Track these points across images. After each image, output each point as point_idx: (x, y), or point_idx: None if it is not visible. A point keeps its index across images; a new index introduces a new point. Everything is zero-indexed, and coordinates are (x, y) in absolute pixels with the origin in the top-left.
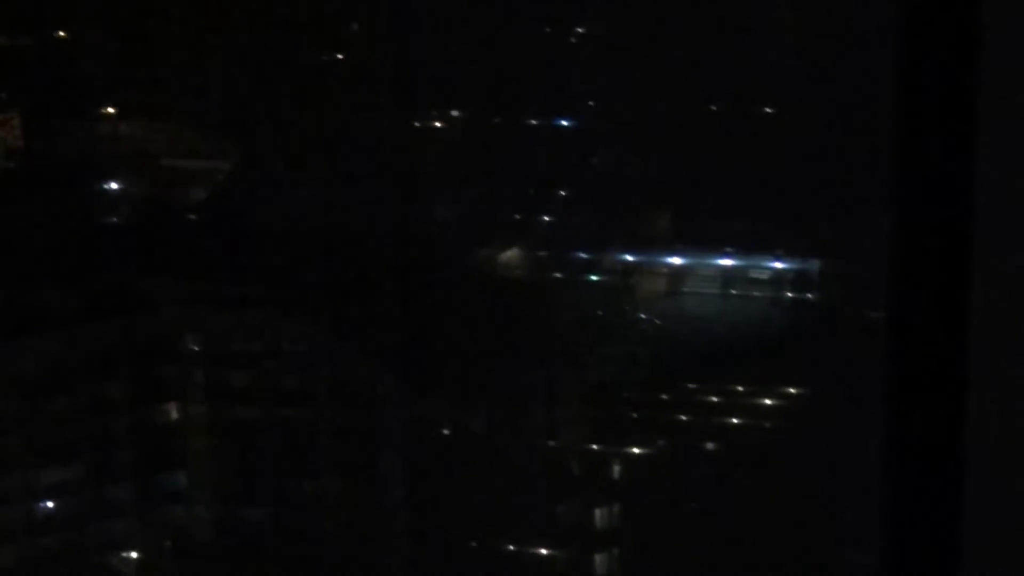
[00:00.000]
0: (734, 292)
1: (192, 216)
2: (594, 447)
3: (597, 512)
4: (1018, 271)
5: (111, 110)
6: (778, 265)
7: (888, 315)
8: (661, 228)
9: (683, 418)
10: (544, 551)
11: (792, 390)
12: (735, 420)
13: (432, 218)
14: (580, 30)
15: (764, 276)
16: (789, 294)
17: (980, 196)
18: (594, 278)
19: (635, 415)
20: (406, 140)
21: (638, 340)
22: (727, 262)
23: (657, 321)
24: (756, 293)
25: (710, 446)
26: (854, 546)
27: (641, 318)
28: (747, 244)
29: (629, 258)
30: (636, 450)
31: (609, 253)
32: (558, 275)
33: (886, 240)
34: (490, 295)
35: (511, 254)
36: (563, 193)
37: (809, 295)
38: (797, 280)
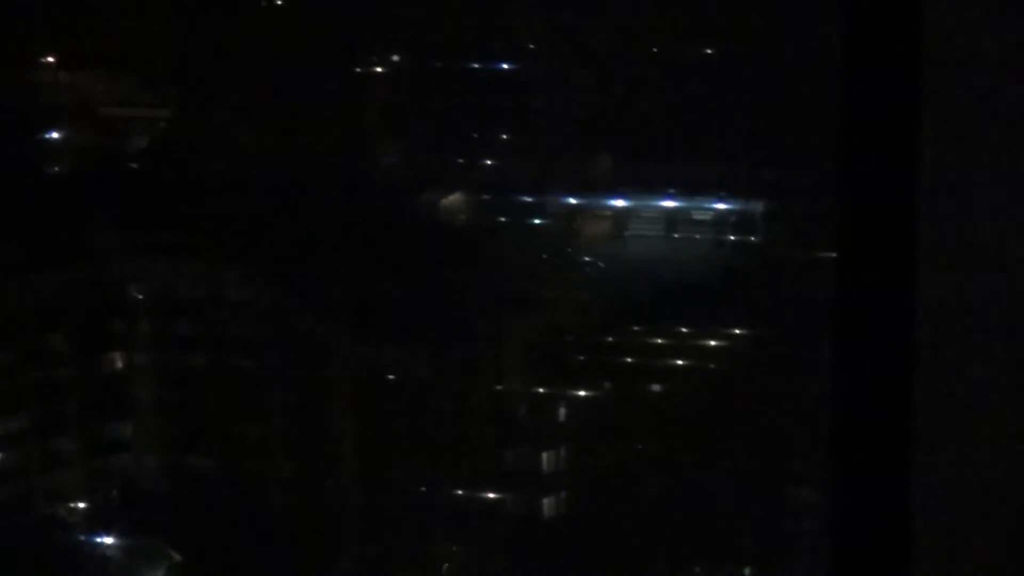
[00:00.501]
0: (678, 234)
1: (134, 165)
2: (540, 391)
3: (544, 456)
4: (967, 208)
5: (50, 59)
6: (722, 206)
7: (838, 255)
8: (604, 170)
9: (629, 360)
10: (492, 495)
11: (738, 331)
12: (681, 362)
13: (375, 164)
14: None
15: (708, 217)
16: (733, 235)
17: (928, 131)
18: (537, 222)
19: (581, 358)
20: (348, 86)
21: (582, 283)
22: (670, 204)
23: (601, 264)
24: (700, 235)
25: (656, 388)
26: (804, 485)
27: (585, 261)
28: (690, 185)
29: (572, 201)
30: (582, 393)
31: (552, 196)
32: (502, 219)
33: (834, 179)
34: (434, 240)
35: (454, 198)
36: (505, 137)
37: (754, 236)
38: (742, 221)
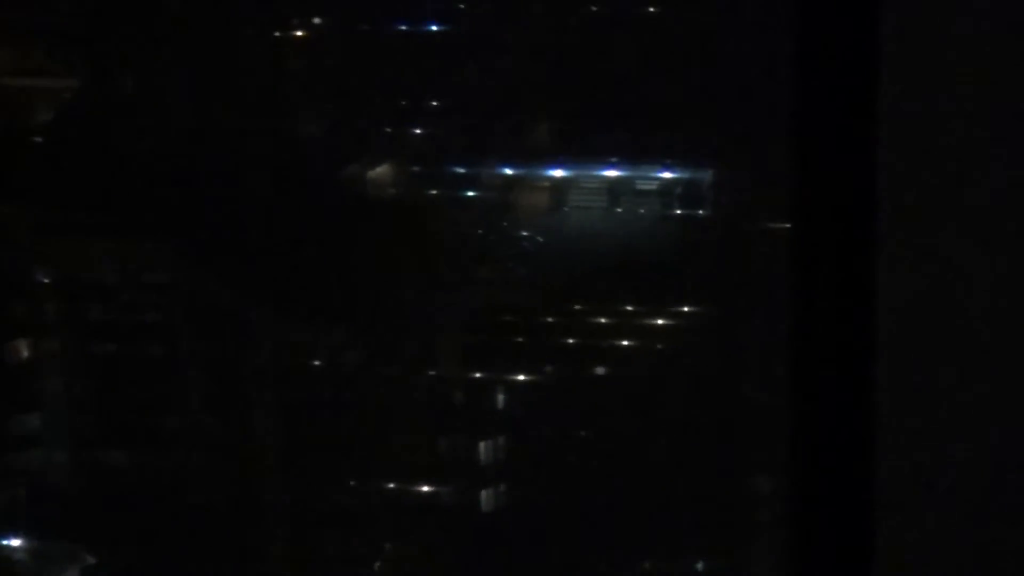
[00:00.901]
0: (621, 206)
1: (38, 139)
2: (477, 375)
3: (482, 445)
4: (928, 175)
5: None
6: (667, 176)
7: (791, 226)
8: (541, 139)
9: (570, 342)
10: (426, 488)
11: (686, 308)
12: (626, 343)
13: (297, 135)
14: None
15: (653, 187)
16: (680, 207)
17: (884, 99)
18: (471, 194)
19: (519, 340)
20: (266, 51)
21: (520, 260)
22: (612, 174)
23: (539, 239)
24: (644, 207)
25: (600, 371)
26: (760, 473)
27: (523, 236)
28: (633, 154)
29: (508, 172)
30: (521, 377)
31: (486, 167)
32: (433, 192)
33: (786, 146)
34: (361, 215)
35: (381, 170)
36: (435, 103)
37: (702, 208)
38: (688, 192)
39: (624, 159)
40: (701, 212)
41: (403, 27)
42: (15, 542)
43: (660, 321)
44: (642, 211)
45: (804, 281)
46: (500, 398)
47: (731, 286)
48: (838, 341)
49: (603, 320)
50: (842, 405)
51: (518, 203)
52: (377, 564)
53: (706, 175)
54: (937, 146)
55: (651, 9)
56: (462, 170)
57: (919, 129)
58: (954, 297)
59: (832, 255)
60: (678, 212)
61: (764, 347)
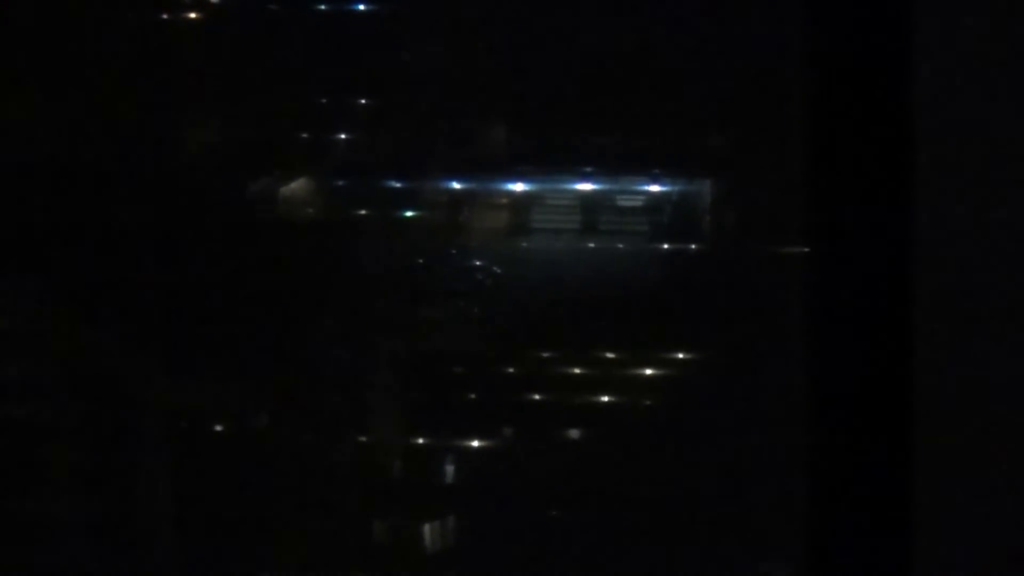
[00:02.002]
0: (600, 227)
1: None
2: (419, 441)
3: (427, 527)
4: (966, 187)
5: None
6: (656, 189)
7: (809, 252)
8: (499, 145)
9: (536, 398)
10: None
11: (681, 355)
12: (605, 398)
13: (191, 142)
14: None
15: (638, 204)
16: (672, 229)
17: (920, 96)
18: (410, 214)
19: (472, 396)
20: (151, 37)
21: (472, 296)
22: (588, 187)
23: (496, 269)
24: (628, 227)
25: (573, 434)
26: (770, 559)
27: (476, 266)
28: (614, 164)
29: (457, 186)
30: (476, 443)
31: (430, 180)
32: (362, 212)
33: (803, 155)
34: (269, 241)
35: (298, 186)
36: (364, 102)
37: (696, 229)
38: (681, 210)
39: (602, 169)
40: (698, 234)
41: (322, 6)
42: None
43: (649, 371)
44: (625, 233)
45: (825, 317)
46: (448, 469)
47: (735, 324)
48: (865, 392)
49: (577, 371)
50: (872, 482)
51: (470, 226)
52: None
53: (703, 188)
54: (980, 155)
55: None
56: (398, 184)
57: (960, 132)
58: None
59: (858, 285)
60: (669, 234)
61: (778, 402)
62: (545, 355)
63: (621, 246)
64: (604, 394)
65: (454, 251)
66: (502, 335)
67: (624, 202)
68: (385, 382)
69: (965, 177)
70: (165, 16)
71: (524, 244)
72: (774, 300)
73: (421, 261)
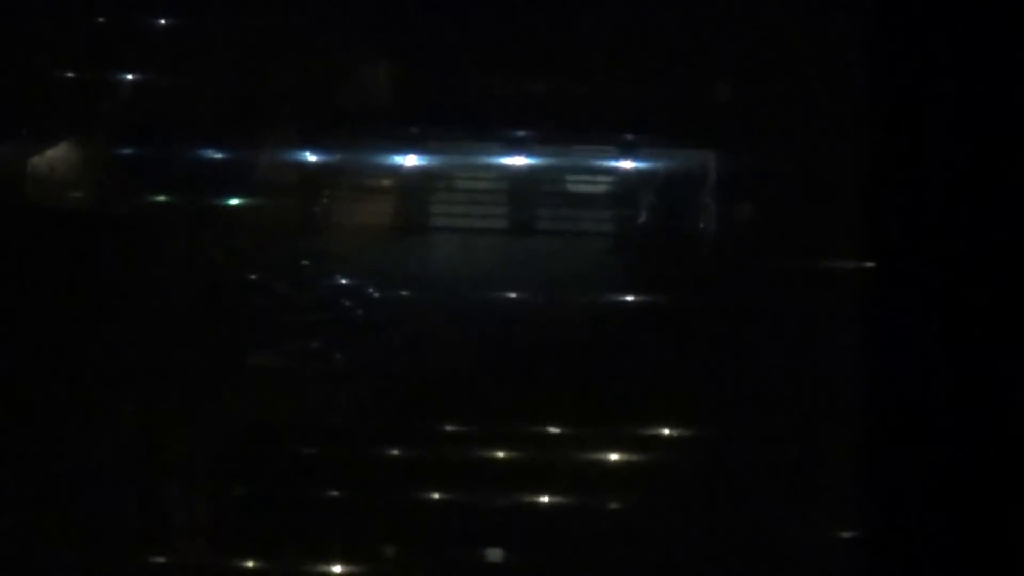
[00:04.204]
0: (542, 223)
1: None
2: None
3: None
4: None
5: None
6: (628, 167)
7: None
8: (382, 93)
9: (435, 497)
10: None
11: (668, 432)
12: (544, 499)
13: None
14: None
15: (599, 190)
16: (655, 222)
17: None
18: (235, 203)
19: (330, 495)
20: None
21: (334, 328)
22: (519, 162)
23: (373, 291)
24: (588, 221)
25: (492, 556)
26: None
27: (340, 285)
28: (566, 129)
29: (312, 159)
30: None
31: (266, 150)
32: (159, 198)
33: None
34: (23, 240)
35: (58, 154)
36: (163, 23)
37: (700, 223)
38: (667, 195)
39: (547, 136)
40: (688, 233)
41: None
42: None
43: (650, 432)
44: (582, 229)
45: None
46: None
47: (779, 361)
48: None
49: (553, 430)
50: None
51: (331, 222)
52: None
53: (697, 166)
54: None
55: None
56: (216, 156)
57: None
58: None
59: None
60: (644, 231)
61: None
62: (448, 430)
63: (571, 251)
64: (543, 492)
65: (305, 261)
66: (378, 398)
67: (577, 185)
68: (197, 454)
69: None
70: None
71: (417, 252)
72: (821, 334)
73: (253, 277)
